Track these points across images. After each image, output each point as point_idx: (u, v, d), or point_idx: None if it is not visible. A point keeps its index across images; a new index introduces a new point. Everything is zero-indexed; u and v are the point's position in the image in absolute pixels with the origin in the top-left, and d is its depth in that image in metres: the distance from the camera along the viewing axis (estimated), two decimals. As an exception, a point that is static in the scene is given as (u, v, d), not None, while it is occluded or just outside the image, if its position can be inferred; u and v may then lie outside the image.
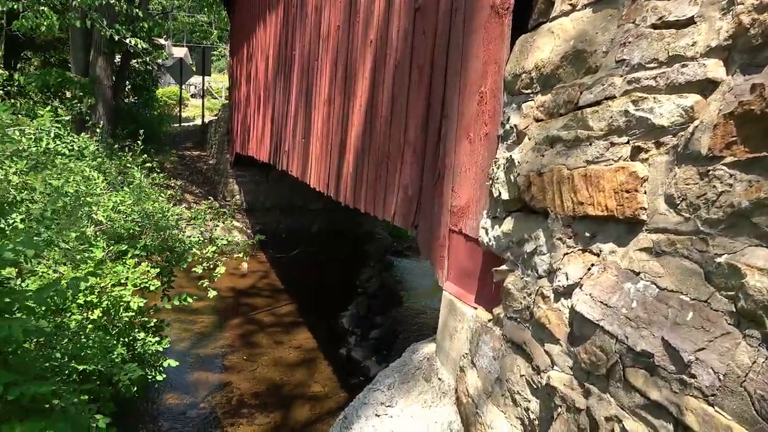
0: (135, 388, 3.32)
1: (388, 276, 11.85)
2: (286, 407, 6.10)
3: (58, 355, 2.30)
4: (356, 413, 2.99)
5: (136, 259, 3.56)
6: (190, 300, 4.06)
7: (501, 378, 2.04)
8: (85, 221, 3.14)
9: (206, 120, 21.86)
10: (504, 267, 2.20)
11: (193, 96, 31.82)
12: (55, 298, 2.46)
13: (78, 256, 3.13)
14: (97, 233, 3.39)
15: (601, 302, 1.46)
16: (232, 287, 10.47)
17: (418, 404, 2.69)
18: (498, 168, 2.26)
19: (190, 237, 4.78)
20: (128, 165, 4.15)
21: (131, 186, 4.25)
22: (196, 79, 31.01)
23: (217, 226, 6.03)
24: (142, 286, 3.62)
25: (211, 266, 4.91)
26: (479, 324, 2.41)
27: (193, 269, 5.18)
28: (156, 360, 3.59)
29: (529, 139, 2.09)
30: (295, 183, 16.53)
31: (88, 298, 3.02)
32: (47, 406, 2.04)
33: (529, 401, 1.84)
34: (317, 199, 16.55)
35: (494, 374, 2.11)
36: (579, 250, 1.67)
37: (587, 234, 1.64)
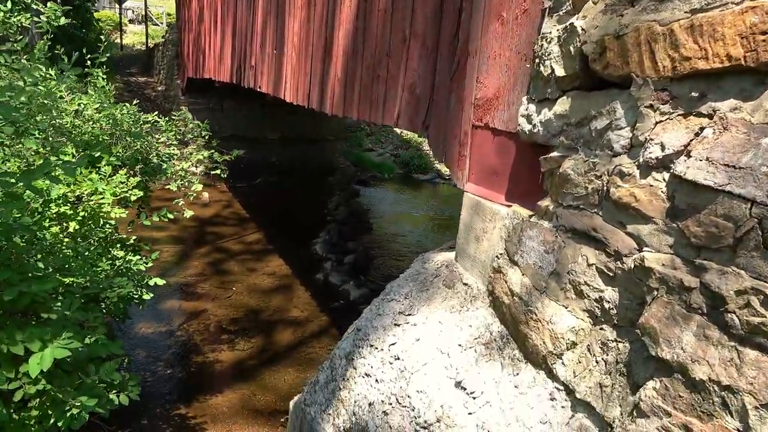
0: (123, 307, 3.03)
1: (355, 204, 11.63)
2: (266, 332, 5.93)
3: (41, 264, 1.97)
4: (371, 324, 2.80)
5: (111, 168, 3.16)
6: (170, 215, 3.71)
7: (559, 271, 1.86)
8: (45, 126, 2.71)
9: (151, 45, 20.39)
10: (555, 154, 1.98)
11: (131, 21, 29.48)
12: (43, 184, 2.09)
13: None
14: (60, 141, 2.95)
15: (726, 164, 1.26)
16: (195, 217, 9.98)
17: (443, 310, 2.52)
18: (550, 42, 2.00)
19: (167, 150, 4.33)
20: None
21: (95, 89, 3.74)
22: (132, 3, 28.68)
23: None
24: (121, 195, 3.24)
25: (185, 184, 4.52)
26: (519, 221, 2.21)
27: (167, 186, 4.78)
28: (141, 279, 3.27)
29: (594, 3, 1.82)
30: (251, 112, 15.84)
31: (62, 209, 2.65)
32: (45, 316, 1.74)
33: (602, 291, 1.67)
34: (274, 130, 15.97)
35: (547, 268, 1.93)
36: (679, 115, 1.46)
37: (694, 94, 1.42)
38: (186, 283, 7.01)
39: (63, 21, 3.40)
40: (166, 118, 4.71)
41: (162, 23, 27.26)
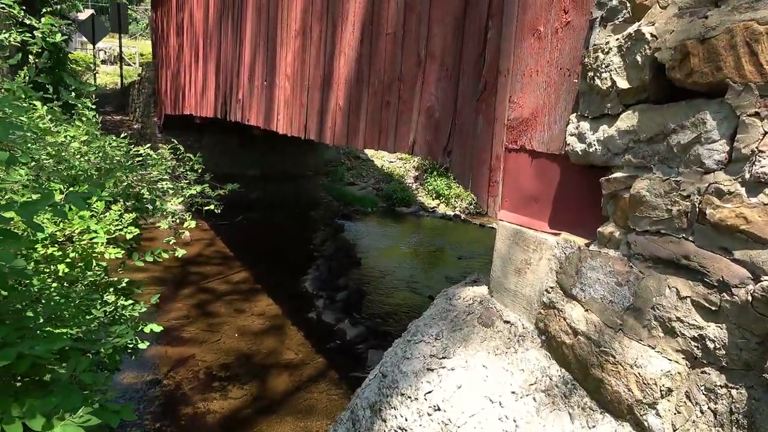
0: (119, 359, 2.70)
1: (341, 238, 11.36)
2: (260, 377, 5.55)
3: (30, 314, 1.67)
4: (398, 369, 2.53)
5: (103, 204, 2.86)
6: (165, 255, 3.40)
7: (639, 306, 1.64)
8: (38, 155, 2.43)
9: (126, 83, 20.11)
10: (620, 174, 1.78)
11: (103, 62, 29.17)
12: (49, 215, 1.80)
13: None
14: (54, 171, 2.67)
15: None
16: (177, 257, 9.59)
17: (485, 352, 2.27)
18: (607, 53, 1.82)
19: (159, 183, 4.02)
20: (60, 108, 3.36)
21: (83, 121, 3.46)
22: (104, 44, 28.44)
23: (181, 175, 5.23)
24: (115, 234, 2.94)
25: (177, 222, 4.22)
26: (573, 250, 1.99)
27: (157, 224, 4.46)
28: (135, 326, 2.94)
29: (663, 7, 1.66)
30: (230, 149, 15.57)
31: (49, 251, 2.35)
32: (47, 378, 1.44)
33: (702, 328, 1.45)
34: (254, 166, 15.72)
35: (621, 303, 1.70)
36: (797, 122, 1.28)
37: (817, 96, 1.25)
38: (171, 327, 6.59)
39: (59, 37, 3.14)
40: (156, 152, 4.44)
41: (135, 63, 27.04)
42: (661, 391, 1.51)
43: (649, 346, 1.59)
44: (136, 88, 16.78)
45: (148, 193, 3.61)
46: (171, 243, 4.02)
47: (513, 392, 1.99)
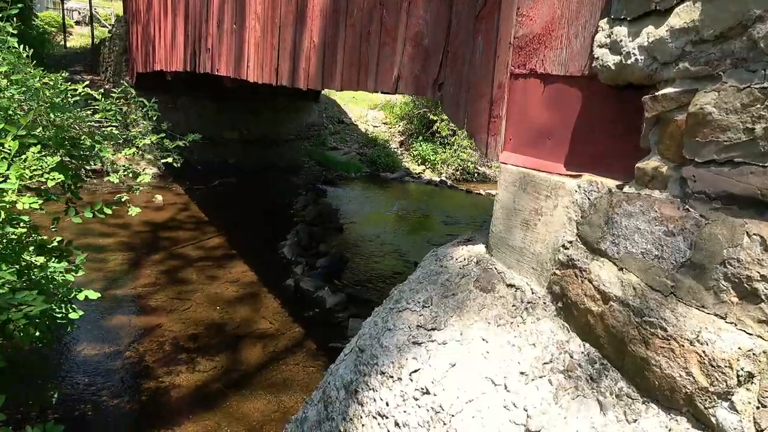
0: (37, 332, 2.24)
1: (323, 204, 10.88)
2: (232, 349, 5.14)
3: None
4: (378, 343, 2.11)
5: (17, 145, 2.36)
6: (108, 210, 2.90)
7: (701, 262, 1.21)
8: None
9: (97, 41, 19.08)
10: (671, 89, 1.34)
11: (77, 23, 27.80)
12: None
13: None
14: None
15: None
16: (148, 221, 9.07)
17: (483, 322, 1.85)
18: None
19: (106, 129, 3.46)
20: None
21: (3, 51, 2.89)
22: (78, 4, 27.08)
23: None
24: (35, 180, 2.45)
25: (129, 175, 3.71)
26: (601, 194, 1.56)
27: (106, 178, 3.95)
28: (67, 292, 2.48)
29: None
30: (207, 111, 14.90)
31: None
32: None
33: (801, 290, 1.03)
34: (232, 129, 15.07)
35: (674, 259, 1.28)
36: None
37: None
38: (137, 294, 6.13)
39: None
40: (102, 92, 3.86)
41: (110, 25, 25.80)
42: (738, 376, 1.10)
43: (718, 315, 1.17)
44: (107, 46, 15.88)
45: (89, 138, 3.08)
46: (123, 200, 3.50)
47: (522, 372, 1.58)
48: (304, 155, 15.81)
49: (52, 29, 23.93)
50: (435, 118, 16.32)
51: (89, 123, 3.14)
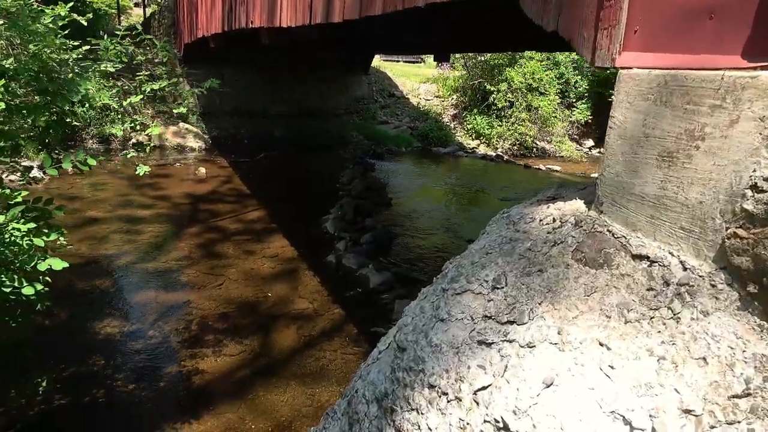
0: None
1: (370, 177, 10.24)
2: (264, 331, 4.60)
3: None
4: (425, 340, 1.44)
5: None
6: (92, 162, 2.33)
7: None
8: None
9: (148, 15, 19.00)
10: None
11: (136, 5, 27.98)
12: None
13: None
14: None
15: None
16: (188, 193, 8.71)
17: (599, 316, 1.15)
18: None
19: (103, 67, 2.87)
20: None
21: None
22: (134, -16, 27.20)
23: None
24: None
25: (136, 126, 3.15)
26: None
27: (111, 132, 3.42)
28: (27, 260, 1.94)
29: None
30: (254, 84, 14.48)
31: None
32: None
33: None
34: (279, 103, 14.61)
35: None
36: None
37: None
38: (167, 269, 5.69)
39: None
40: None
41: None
42: None
43: None
44: (156, 18, 15.66)
45: (71, 71, 2.50)
46: (129, 156, 2.95)
47: (687, 411, 0.87)
48: (352, 129, 15.21)
49: (113, 10, 24.10)
50: (491, 89, 15.33)
51: (76, 54, 2.57)
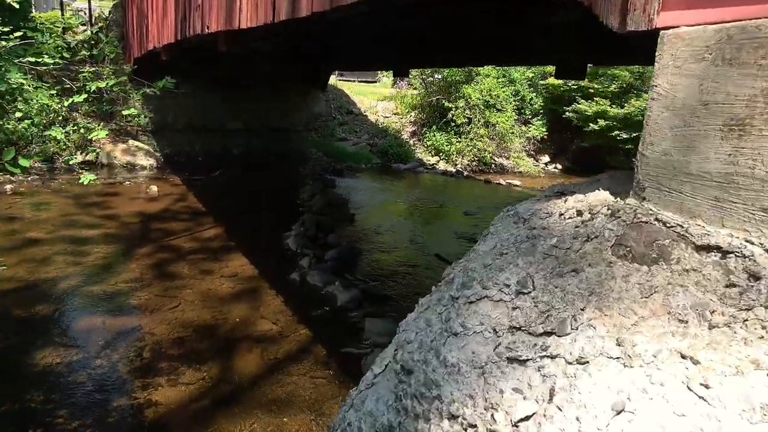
0: None
1: (331, 193, 9.97)
2: (224, 356, 4.24)
3: None
4: (438, 358, 1.19)
5: None
6: (25, 163, 1.94)
7: None
8: None
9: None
10: None
11: (83, 25, 27.02)
12: None
13: None
14: None
15: None
16: (139, 212, 8.21)
17: (669, 322, 0.92)
18: None
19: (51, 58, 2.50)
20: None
21: None
22: (83, 4, 26.30)
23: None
24: None
25: (80, 130, 2.79)
26: None
27: (51, 137, 3.03)
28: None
29: None
30: (209, 100, 14.04)
31: None
32: None
33: None
34: (236, 119, 14.20)
35: None
36: None
37: None
38: (116, 292, 5.24)
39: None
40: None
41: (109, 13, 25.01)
42: None
43: None
44: (104, 33, 15.03)
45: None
46: (71, 162, 2.61)
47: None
48: (311, 146, 14.93)
49: (57, 27, 23.11)
50: (449, 105, 15.37)
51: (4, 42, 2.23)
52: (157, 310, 4.93)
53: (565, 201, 1.44)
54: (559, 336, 1.03)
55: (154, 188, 9.80)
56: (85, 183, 2.62)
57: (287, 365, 4.13)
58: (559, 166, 16.93)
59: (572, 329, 1.03)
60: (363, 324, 4.73)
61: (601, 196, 1.34)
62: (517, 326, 1.12)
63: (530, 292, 1.17)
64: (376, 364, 1.50)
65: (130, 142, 12.17)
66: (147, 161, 11.91)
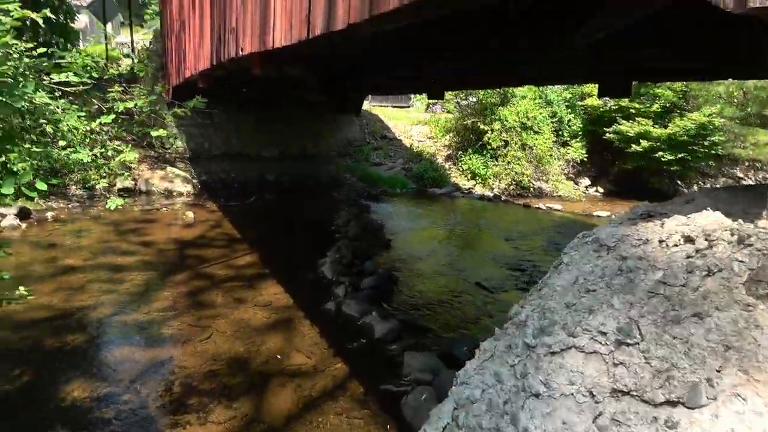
0: None
1: (367, 219, 9.78)
2: (257, 391, 4.01)
3: None
4: (517, 427, 0.92)
5: None
6: (42, 186, 1.76)
7: None
8: None
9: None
10: None
11: (126, 56, 28.06)
12: None
13: None
14: None
15: None
16: (174, 239, 8.17)
17: None
18: None
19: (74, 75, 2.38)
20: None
21: None
22: (123, 38, 27.30)
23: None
24: None
25: (106, 153, 2.67)
26: None
27: (77, 160, 2.91)
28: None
29: None
30: (244, 126, 14.18)
31: None
32: None
33: None
34: (271, 145, 14.28)
35: None
36: None
37: None
38: (148, 321, 5.10)
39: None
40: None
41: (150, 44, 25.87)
42: None
43: None
44: (144, 63, 15.37)
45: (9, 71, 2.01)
46: (98, 185, 2.47)
47: None
48: (345, 171, 14.85)
49: (103, 59, 23.87)
50: (485, 128, 15.11)
51: (27, 59, 2.11)
52: (189, 341, 4.76)
53: (662, 225, 1.17)
54: (690, 408, 0.76)
55: (191, 214, 9.79)
56: (112, 208, 2.47)
57: (322, 403, 3.88)
58: (601, 190, 16.40)
59: (709, 399, 0.75)
60: (402, 358, 4.44)
61: (713, 219, 1.07)
62: (624, 390, 0.85)
63: (637, 344, 0.90)
64: (430, 424, 1.24)
65: (168, 169, 12.30)
66: (184, 188, 11.99)
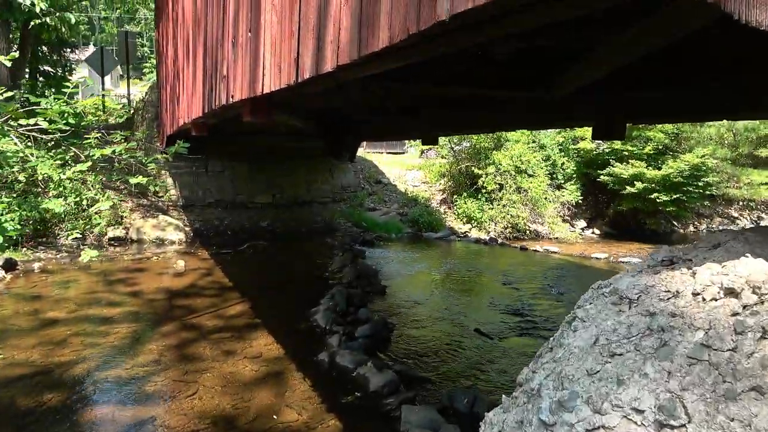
0: None
1: (362, 264, 9.57)
2: (244, 452, 3.74)
3: None
4: None
5: None
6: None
7: None
8: None
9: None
10: None
11: (123, 107, 28.39)
12: None
13: None
14: None
15: None
16: (164, 288, 7.93)
17: None
18: None
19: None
20: None
21: None
22: (122, 90, 27.70)
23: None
24: None
25: (82, 201, 2.52)
26: None
27: (47, 209, 2.67)
28: None
29: None
30: (238, 174, 14.13)
31: None
32: None
33: None
34: (264, 193, 14.21)
35: None
36: None
37: None
38: (131, 377, 4.84)
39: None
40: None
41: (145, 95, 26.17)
42: None
43: None
44: (140, 113, 15.44)
45: None
46: (72, 235, 2.32)
47: None
48: (340, 217, 14.73)
49: (100, 111, 24.05)
50: (479, 172, 15.11)
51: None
52: (174, 398, 4.50)
53: (693, 274, 1.02)
54: None
55: (181, 263, 9.57)
56: (85, 260, 2.32)
57: (314, 464, 3.61)
58: (597, 231, 16.30)
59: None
60: (399, 412, 4.19)
61: (758, 267, 0.91)
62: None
63: (684, 426, 0.73)
64: None
65: (161, 217, 12.14)
66: (176, 236, 11.81)
